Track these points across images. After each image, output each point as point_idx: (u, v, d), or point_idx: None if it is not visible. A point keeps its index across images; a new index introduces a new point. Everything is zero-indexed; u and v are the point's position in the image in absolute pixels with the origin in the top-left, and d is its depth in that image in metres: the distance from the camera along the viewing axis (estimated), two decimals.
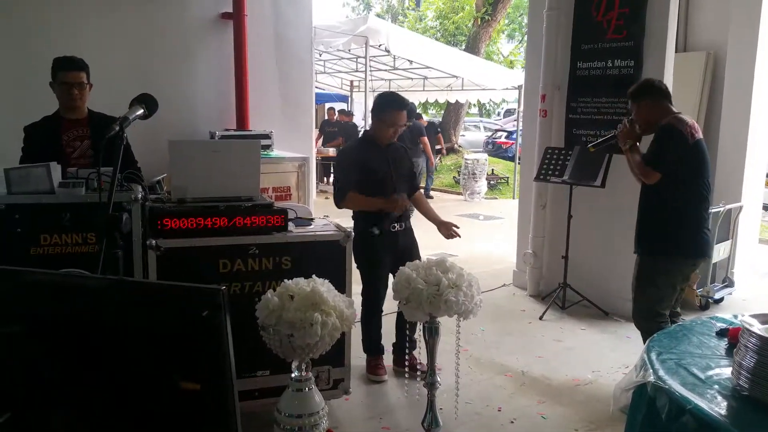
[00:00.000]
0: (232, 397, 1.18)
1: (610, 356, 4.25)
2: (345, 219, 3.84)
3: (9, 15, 4.81)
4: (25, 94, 3.46)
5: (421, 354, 2.55)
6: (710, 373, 1.86)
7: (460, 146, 18.33)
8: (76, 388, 1.26)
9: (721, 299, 5.38)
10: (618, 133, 3.62)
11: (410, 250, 3.75)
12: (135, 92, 2.52)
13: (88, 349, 1.25)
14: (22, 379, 1.25)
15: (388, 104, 3.70)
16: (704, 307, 5.23)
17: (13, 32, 4.81)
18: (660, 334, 2.27)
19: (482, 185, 12.61)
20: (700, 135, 3.36)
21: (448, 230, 3.86)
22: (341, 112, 13.99)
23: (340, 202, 3.66)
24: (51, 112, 3.50)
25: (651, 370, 1.89)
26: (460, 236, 3.87)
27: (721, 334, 2.17)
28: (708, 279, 5.26)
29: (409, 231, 3.84)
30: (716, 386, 1.77)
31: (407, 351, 2.83)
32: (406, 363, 3.08)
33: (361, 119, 14.43)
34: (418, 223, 4.00)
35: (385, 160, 3.70)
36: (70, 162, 3.35)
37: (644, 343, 3.05)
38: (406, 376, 2.97)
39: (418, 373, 2.61)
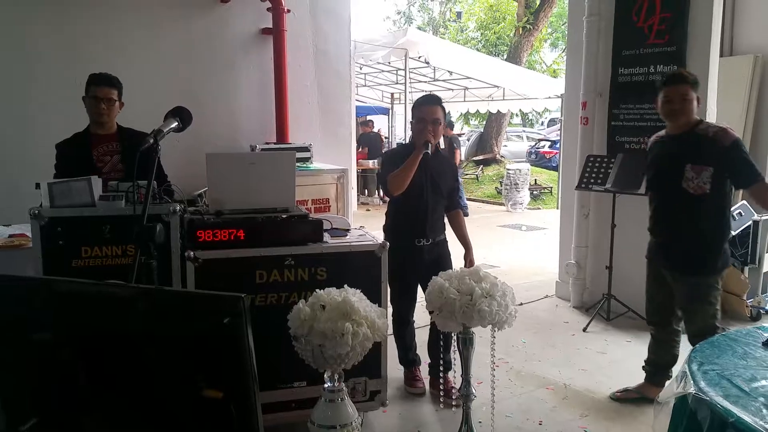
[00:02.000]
0: (254, 404, 1.18)
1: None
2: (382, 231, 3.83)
3: (54, 29, 4.99)
4: (70, 109, 3.57)
5: (456, 374, 2.50)
6: (755, 384, 1.78)
7: (502, 156, 18.19)
8: (101, 395, 1.28)
9: None
10: None
11: (438, 263, 3.56)
12: (176, 106, 2.58)
13: (114, 357, 1.27)
14: (49, 385, 1.28)
15: (419, 102, 3.68)
16: (755, 317, 5.05)
17: (59, 47, 4.98)
18: (703, 344, 2.19)
19: (525, 195, 12.46)
20: None
21: (470, 263, 3.70)
22: (362, 123, 13.99)
23: (387, 190, 3.62)
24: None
25: (692, 382, 1.82)
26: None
27: None
28: (759, 289, 5.09)
29: (438, 246, 3.69)
30: (762, 399, 1.69)
31: (441, 372, 2.78)
32: (441, 386, 3.01)
33: (403, 131, 14.52)
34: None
35: (426, 170, 3.56)
36: (101, 177, 3.43)
37: None
38: (441, 400, 2.90)
39: (453, 400, 2.55)
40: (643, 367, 3.73)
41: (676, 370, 3.51)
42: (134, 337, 1.26)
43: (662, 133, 3.53)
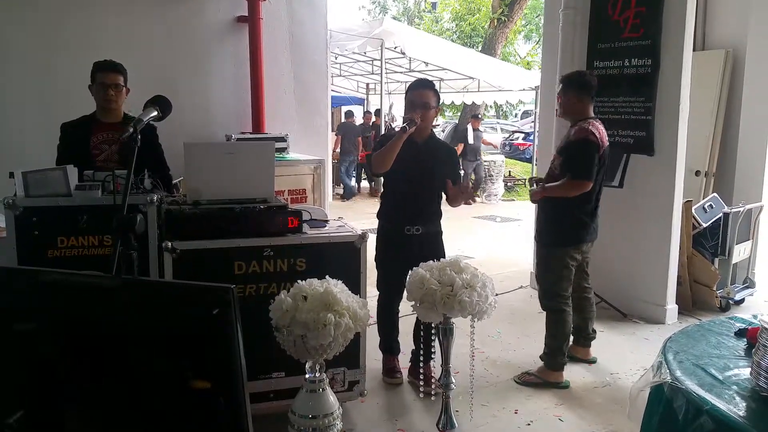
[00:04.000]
0: (242, 395, 1.18)
1: (629, 358, 4.20)
2: (360, 221, 3.83)
3: (25, 17, 4.87)
4: (42, 97, 3.50)
5: (435, 357, 2.54)
6: (729, 373, 1.83)
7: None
8: (88, 387, 1.27)
9: (742, 300, 5.31)
10: (531, 196, 3.96)
11: (427, 258, 3.52)
12: (151, 95, 2.54)
13: (100, 348, 1.25)
14: (34, 377, 1.26)
15: (410, 86, 3.68)
16: (725, 308, 5.16)
17: (30, 34, 4.86)
18: (677, 333, 2.24)
19: (499, 187, 12.57)
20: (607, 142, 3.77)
21: (467, 194, 3.54)
22: (347, 114, 13.87)
23: (372, 169, 3.63)
24: (79, 116, 3.55)
25: (668, 371, 1.87)
26: (474, 201, 3.75)
27: (740, 334, 2.14)
28: (728, 280, 5.19)
29: (430, 236, 3.62)
30: (735, 387, 1.75)
31: (422, 361, 2.80)
32: (421, 374, 3.03)
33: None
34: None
35: (417, 157, 3.49)
36: (96, 165, 3.39)
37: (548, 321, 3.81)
38: (421, 389, 2.93)
39: (432, 388, 2.56)
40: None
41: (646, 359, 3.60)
42: (121, 329, 1.25)
43: None
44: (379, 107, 13.15)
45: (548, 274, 3.83)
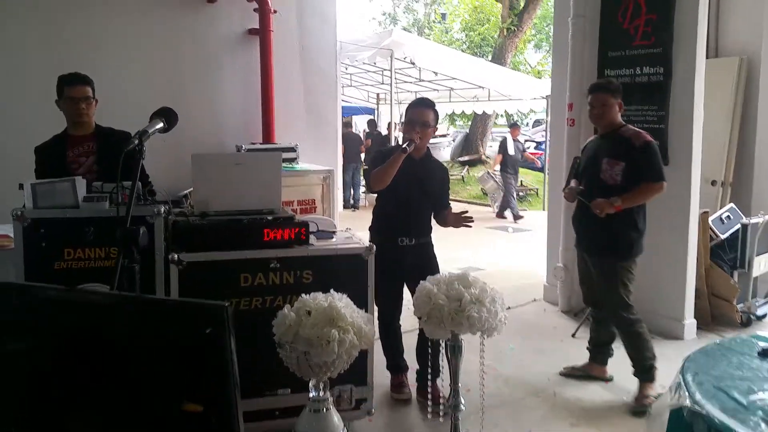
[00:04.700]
0: (235, 416, 1.13)
1: None
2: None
3: (37, 29, 4.87)
4: (53, 108, 3.48)
5: (444, 375, 2.45)
6: (753, 397, 1.74)
7: (487, 157, 18.20)
8: (80, 405, 1.22)
9: (764, 315, 5.15)
10: (592, 207, 3.65)
11: (423, 266, 3.50)
12: (162, 106, 2.52)
13: (93, 365, 1.21)
14: (26, 395, 1.22)
15: (411, 104, 3.70)
16: (746, 323, 5.00)
17: (42, 47, 4.87)
18: (696, 353, 2.16)
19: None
20: None
21: (457, 220, 3.60)
22: (345, 124, 13.92)
23: (369, 185, 3.66)
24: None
25: (687, 393, 1.78)
26: (470, 224, 3.62)
27: (764, 354, 2.04)
28: (749, 293, 5.05)
29: (423, 247, 3.66)
30: (760, 412, 1.65)
31: (430, 379, 2.73)
32: (429, 393, 2.95)
33: (385, 129, 14.49)
34: (445, 236, 3.90)
35: (413, 173, 3.53)
36: None
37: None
38: (429, 409, 2.87)
39: (441, 406, 2.50)
40: (587, 348, 4.10)
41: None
42: (114, 346, 1.21)
43: (595, 134, 4.10)
44: (372, 117, 13.12)
45: (618, 286, 3.69)
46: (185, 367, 1.15)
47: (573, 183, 3.92)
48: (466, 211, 3.64)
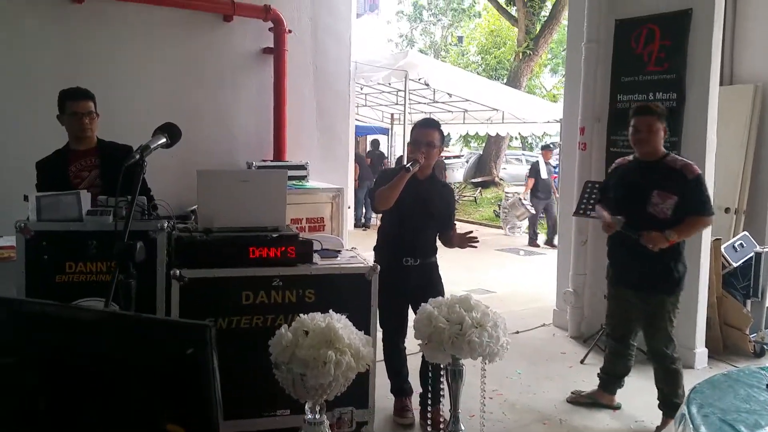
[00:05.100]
0: None
1: (654, 404, 3.99)
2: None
3: (50, 44, 4.92)
4: (56, 121, 3.49)
5: (445, 399, 2.40)
6: None
7: (501, 179, 18.16)
8: (60, 424, 1.19)
9: None
10: (644, 240, 3.41)
11: (428, 287, 3.48)
12: (175, 123, 2.52)
13: (74, 384, 1.18)
14: (4, 413, 1.19)
15: (416, 124, 3.69)
16: (759, 354, 4.91)
17: (55, 63, 4.90)
18: (702, 383, 2.10)
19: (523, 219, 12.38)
20: None
21: (461, 240, 3.60)
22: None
23: (374, 205, 3.67)
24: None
25: (692, 426, 1.73)
26: (475, 245, 3.59)
27: None
28: (762, 323, 4.96)
29: (427, 267, 3.62)
30: None
31: (430, 404, 2.69)
32: (430, 421, 2.90)
33: (400, 150, 14.60)
34: (455, 257, 3.85)
35: (417, 193, 3.50)
36: None
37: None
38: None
39: (441, 429, 2.45)
40: (598, 374, 4.00)
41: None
42: (96, 364, 1.18)
43: (630, 158, 3.76)
44: (376, 137, 13.48)
45: (666, 322, 3.56)
46: (167, 388, 1.12)
47: (606, 213, 3.63)
48: (471, 232, 3.62)
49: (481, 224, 13.70)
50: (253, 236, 3.02)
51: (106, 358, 1.15)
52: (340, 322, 2.03)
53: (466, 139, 20.68)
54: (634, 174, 3.62)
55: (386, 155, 15.42)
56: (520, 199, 11.71)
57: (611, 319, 3.92)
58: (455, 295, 2.37)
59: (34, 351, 1.20)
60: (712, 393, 1.96)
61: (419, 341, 2.28)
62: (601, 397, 3.95)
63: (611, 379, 3.92)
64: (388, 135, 17.96)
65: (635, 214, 3.49)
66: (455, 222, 3.80)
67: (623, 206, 3.58)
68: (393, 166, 12.74)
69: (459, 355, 2.16)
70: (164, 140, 2.44)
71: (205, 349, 1.05)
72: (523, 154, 24.46)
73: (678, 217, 3.41)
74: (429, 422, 2.80)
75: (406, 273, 3.53)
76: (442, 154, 4.04)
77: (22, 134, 4.74)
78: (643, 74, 4.93)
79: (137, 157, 2.26)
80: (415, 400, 3.71)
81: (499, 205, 13.42)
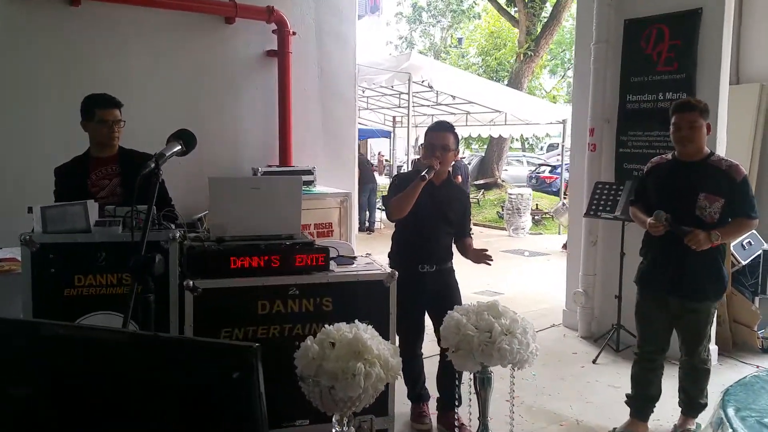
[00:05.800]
0: None
1: (670, 402, 3.94)
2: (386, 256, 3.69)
3: (54, 52, 4.87)
4: (67, 131, 3.42)
5: (472, 407, 2.36)
6: None
7: (503, 181, 18.13)
8: None
9: None
10: (687, 239, 3.20)
11: (445, 293, 3.47)
12: (178, 128, 2.46)
13: (106, 410, 1.13)
14: None
15: (430, 127, 3.60)
16: (767, 350, 4.92)
17: (59, 70, 4.86)
18: (735, 386, 2.05)
19: (526, 220, 12.36)
20: None
21: (477, 257, 3.52)
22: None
23: (388, 214, 3.59)
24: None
25: (730, 430, 1.68)
26: (490, 262, 3.53)
27: None
28: None
29: (443, 273, 3.55)
30: None
31: (453, 407, 2.63)
32: (456, 425, 2.85)
33: (404, 154, 14.50)
34: (462, 258, 3.81)
35: (433, 199, 3.44)
36: (97, 202, 3.28)
37: None
38: None
39: None
40: (627, 401, 3.63)
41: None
42: (129, 391, 1.12)
43: (668, 157, 3.50)
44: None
45: (707, 329, 3.41)
46: (212, 414, 1.06)
47: (643, 215, 3.41)
48: (486, 250, 3.52)
49: (484, 226, 13.66)
50: (267, 244, 2.96)
51: (149, 383, 1.09)
52: (367, 332, 1.99)
53: (467, 141, 20.62)
54: (677, 175, 3.38)
55: (371, 162, 15.26)
56: (563, 204, 11.34)
57: (645, 330, 3.57)
58: (478, 302, 2.33)
59: (63, 377, 1.14)
60: (746, 395, 1.93)
61: (443, 350, 2.24)
62: (636, 428, 3.56)
63: (644, 403, 3.58)
64: (390, 138, 17.91)
65: (682, 217, 3.27)
66: (472, 226, 3.74)
67: (667, 211, 3.32)
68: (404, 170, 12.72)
69: (488, 363, 2.12)
70: (179, 147, 2.36)
71: (251, 373, 1.00)
72: (524, 156, 24.47)
73: (723, 219, 3.25)
74: (456, 427, 2.75)
75: (422, 279, 3.47)
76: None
77: (26, 145, 4.69)
78: (652, 74, 4.90)
79: (152, 165, 2.20)
80: (431, 406, 3.67)
81: (502, 207, 13.39)
